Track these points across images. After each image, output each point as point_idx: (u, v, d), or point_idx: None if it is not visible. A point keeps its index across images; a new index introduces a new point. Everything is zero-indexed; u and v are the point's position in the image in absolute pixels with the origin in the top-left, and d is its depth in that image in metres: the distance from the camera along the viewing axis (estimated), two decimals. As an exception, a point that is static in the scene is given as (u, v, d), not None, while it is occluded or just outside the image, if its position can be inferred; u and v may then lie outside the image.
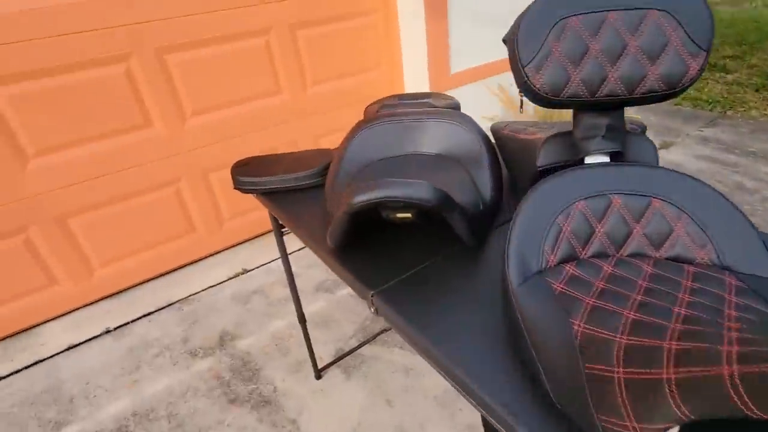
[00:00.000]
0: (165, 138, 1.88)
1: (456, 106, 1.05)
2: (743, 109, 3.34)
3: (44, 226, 1.74)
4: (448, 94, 1.14)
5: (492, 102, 2.60)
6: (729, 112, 3.33)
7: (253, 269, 2.10)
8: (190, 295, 1.97)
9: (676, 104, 3.55)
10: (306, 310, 1.60)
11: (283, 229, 1.23)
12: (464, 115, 0.95)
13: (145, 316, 1.89)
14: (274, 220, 1.22)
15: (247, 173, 1.12)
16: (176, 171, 1.96)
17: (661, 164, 0.68)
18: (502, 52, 2.52)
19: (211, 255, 2.22)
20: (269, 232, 2.30)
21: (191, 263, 2.17)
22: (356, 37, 2.20)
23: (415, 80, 2.32)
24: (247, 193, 1.13)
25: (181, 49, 1.80)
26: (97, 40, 1.63)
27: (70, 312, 1.93)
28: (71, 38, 1.59)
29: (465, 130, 0.93)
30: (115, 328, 1.84)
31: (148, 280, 2.07)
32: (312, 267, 2.06)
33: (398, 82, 2.41)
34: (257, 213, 2.25)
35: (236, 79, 1.97)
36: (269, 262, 2.13)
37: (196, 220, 2.09)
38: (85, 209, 1.81)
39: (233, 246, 2.27)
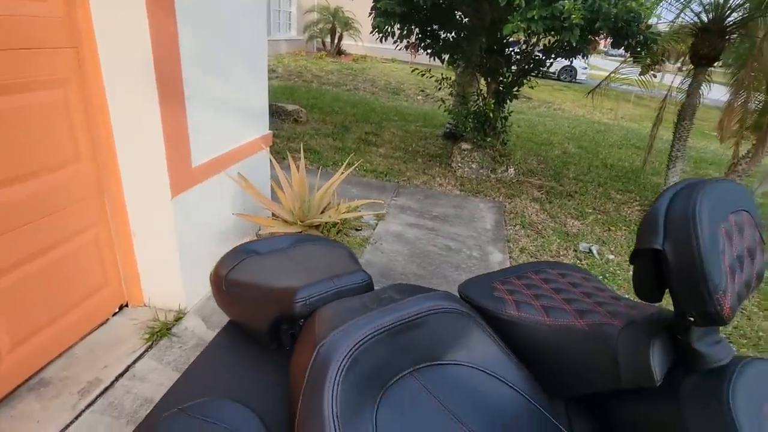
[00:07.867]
0: None
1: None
2: (404, 178, 4.13)
3: None
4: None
5: (238, 193, 2.20)
6: (400, 181, 4.04)
7: None
8: None
9: (363, 176, 4.05)
10: None
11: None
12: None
13: None
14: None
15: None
16: None
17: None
18: (240, 138, 2.19)
19: None
20: None
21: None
22: (34, 120, 1.39)
23: (142, 178, 1.67)
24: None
25: None
26: None
27: None
28: None
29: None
30: None
31: None
32: None
33: (113, 181, 1.68)
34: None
35: None
36: None
37: None
38: None
39: None
